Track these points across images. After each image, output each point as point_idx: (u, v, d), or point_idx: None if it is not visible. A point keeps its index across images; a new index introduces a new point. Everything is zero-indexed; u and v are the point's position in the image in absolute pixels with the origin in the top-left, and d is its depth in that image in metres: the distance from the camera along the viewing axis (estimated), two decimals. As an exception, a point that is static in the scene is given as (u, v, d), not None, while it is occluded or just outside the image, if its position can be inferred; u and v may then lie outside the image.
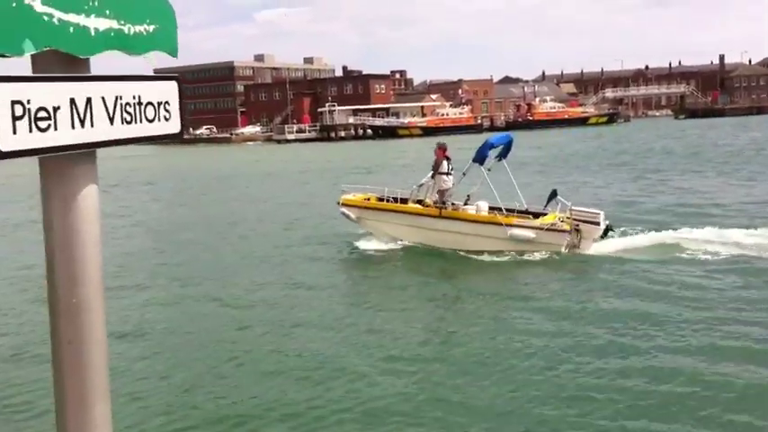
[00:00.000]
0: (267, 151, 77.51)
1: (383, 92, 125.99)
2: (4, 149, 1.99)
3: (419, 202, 16.72)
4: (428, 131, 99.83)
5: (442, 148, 16.30)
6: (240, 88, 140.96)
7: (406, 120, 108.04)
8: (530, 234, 14.89)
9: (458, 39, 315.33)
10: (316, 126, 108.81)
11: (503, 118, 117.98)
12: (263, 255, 16.59)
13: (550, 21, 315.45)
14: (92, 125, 2.27)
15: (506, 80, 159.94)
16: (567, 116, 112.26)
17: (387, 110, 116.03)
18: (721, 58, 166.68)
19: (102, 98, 2.31)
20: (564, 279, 13.20)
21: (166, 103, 2.58)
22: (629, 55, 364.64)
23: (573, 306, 11.19)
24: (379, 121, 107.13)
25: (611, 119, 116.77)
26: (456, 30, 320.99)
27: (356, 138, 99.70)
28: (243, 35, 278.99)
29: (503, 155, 16.53)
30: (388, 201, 16.95)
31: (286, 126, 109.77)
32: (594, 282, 12.90)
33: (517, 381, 8.18)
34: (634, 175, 31.49)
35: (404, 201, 16.84)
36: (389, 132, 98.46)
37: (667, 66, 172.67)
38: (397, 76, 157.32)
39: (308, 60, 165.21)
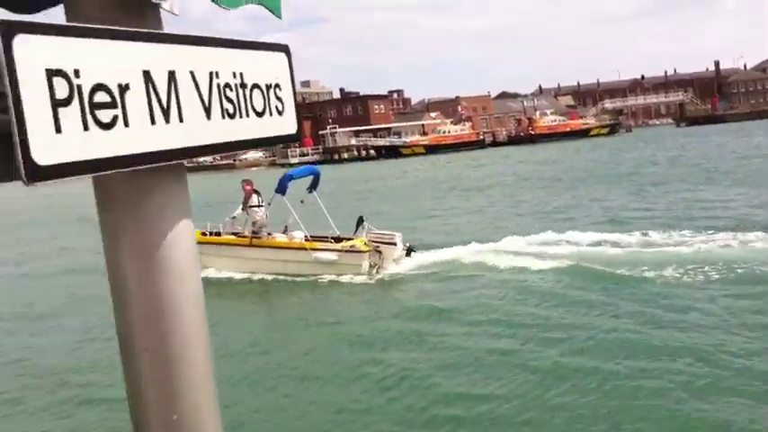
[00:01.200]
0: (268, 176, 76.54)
1: (382, 112, 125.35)
2: (42, 162, 1.09)
3: (235, 234, 17.88)
4: (431, 149, 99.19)
5: (249, 184, 17.44)
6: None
7: (409, 139, 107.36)
8: (332, 256, 16.49)
9: (449, 57, 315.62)
10: (318, 149, 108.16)
11: (504, 133, 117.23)
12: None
13: (540, 35, 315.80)
14: (180, 119, 1.33)
15: (504, 95, 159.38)
16: (568, 129, 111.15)
17: (388, 129, 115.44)
18: (717, 64, 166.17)
19: (192, 73, 1.36)
20: (357, 294, 15.06)
21: (276, 87, 1.61)
22: (623, 65, 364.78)
23: (360, 317, 12.99)
24: (381, 141, 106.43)
25: (613, 129, 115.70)
26: (447, 49, 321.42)
27: (360, 159, 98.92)
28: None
29: (313, 186, 18.09)
30: (210, 235, 17.80)
31: (289, 150, 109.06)
32: (385, 297, 14.69)
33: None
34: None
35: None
36: (393, 152, 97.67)
37: (663, 74, 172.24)
38: (395, 95, 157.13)
39: (306, 84, 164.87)
